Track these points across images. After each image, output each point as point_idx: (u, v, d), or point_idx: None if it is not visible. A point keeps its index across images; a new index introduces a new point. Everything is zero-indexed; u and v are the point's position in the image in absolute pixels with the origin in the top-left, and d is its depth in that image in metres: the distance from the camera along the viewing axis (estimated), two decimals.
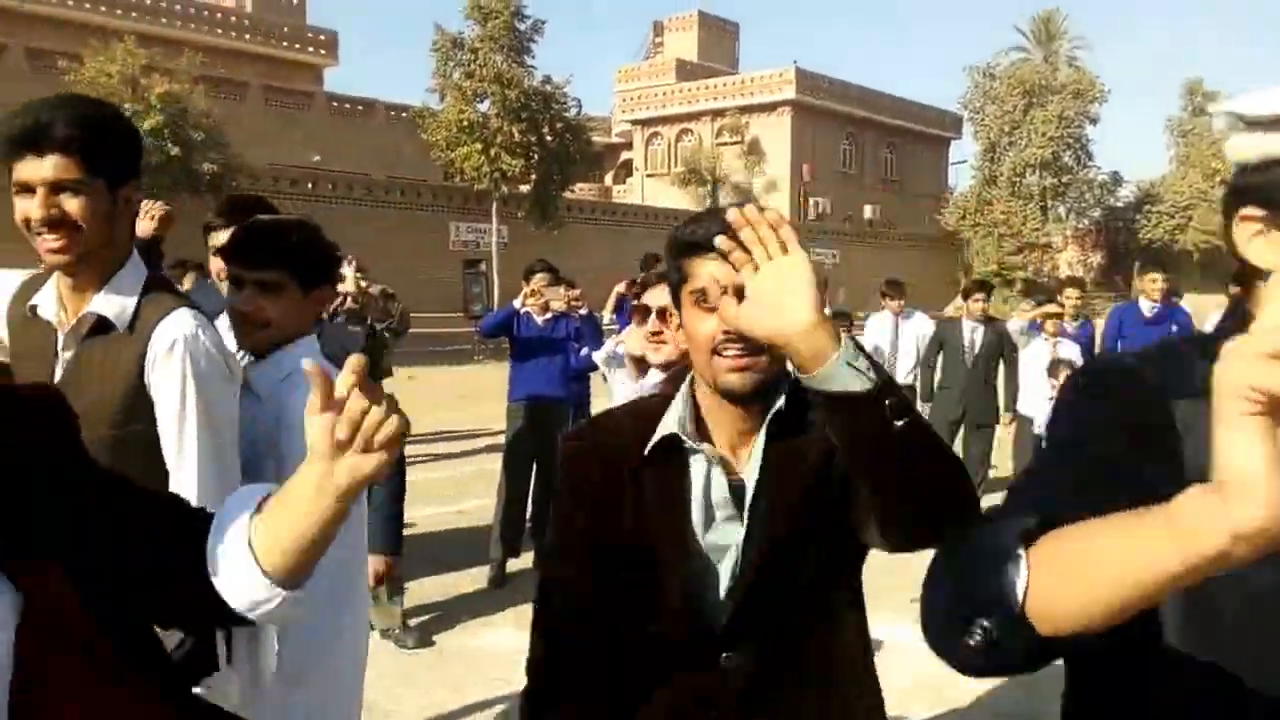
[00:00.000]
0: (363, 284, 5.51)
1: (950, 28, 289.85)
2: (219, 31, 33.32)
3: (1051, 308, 7.34)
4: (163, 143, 20.43)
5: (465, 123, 24.05)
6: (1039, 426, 6.77)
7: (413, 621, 4.78)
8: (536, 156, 24.53)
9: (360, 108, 35.58)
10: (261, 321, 1.94)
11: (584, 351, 5.99)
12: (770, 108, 44.04)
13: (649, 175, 47.51)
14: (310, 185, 26.34)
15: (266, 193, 24.39)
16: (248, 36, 34.26)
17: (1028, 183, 41.26)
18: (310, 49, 36.21)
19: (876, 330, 8.20)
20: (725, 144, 44.84)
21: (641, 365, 3.04)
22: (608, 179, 51.69)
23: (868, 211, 46.04)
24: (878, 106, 47.49)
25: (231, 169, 22.20)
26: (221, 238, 5.05)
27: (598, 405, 6.27)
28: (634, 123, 48.77)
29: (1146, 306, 7.54)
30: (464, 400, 11.90)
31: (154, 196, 16.20)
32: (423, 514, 6.75)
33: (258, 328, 1.94)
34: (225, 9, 35.13)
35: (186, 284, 7.65)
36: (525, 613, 4.69)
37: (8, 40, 27.87)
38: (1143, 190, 45.43)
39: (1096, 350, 7.53)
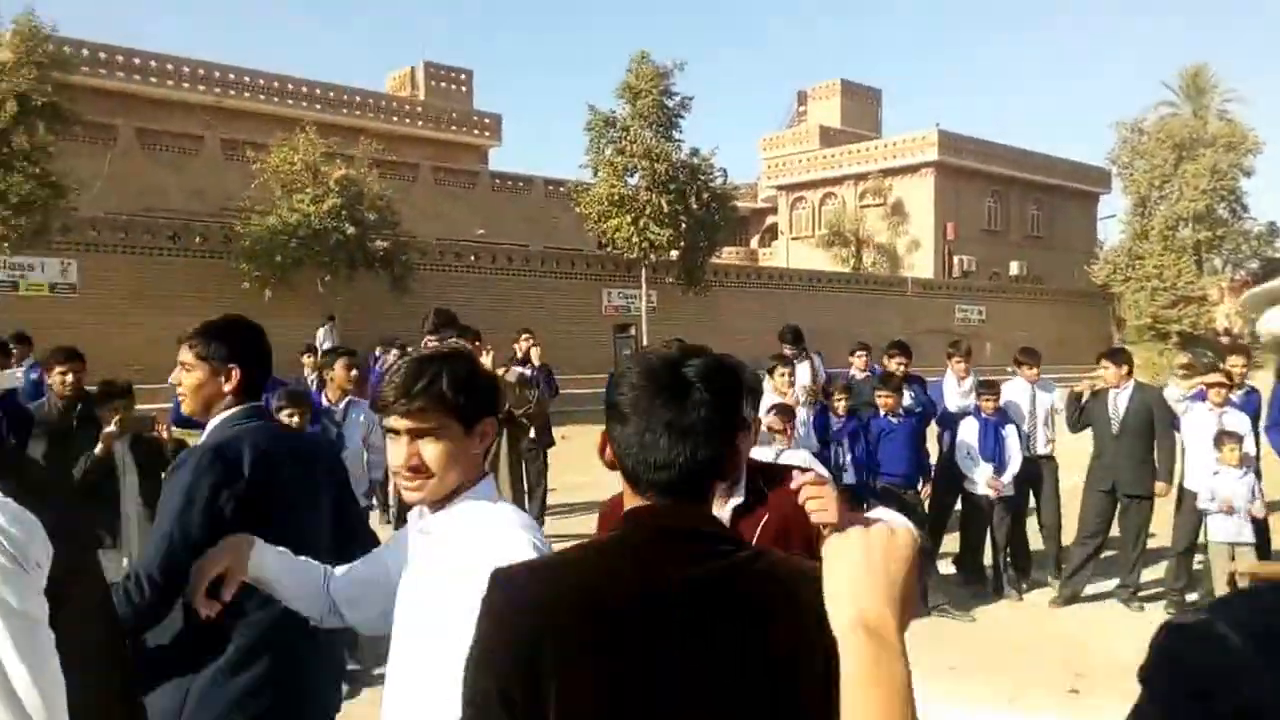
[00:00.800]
0: (500, 372, 5.93)
1: (1093, 86, 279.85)
2: (394, 119, 36.18)
3: (1216, 376, 6.94)
4: (340, 223, 22.03)
5: (616, 196, 25.34)
6: (1203, 501, 6.46)
7: None
8: (684, 225, 25.56)
9: (521, 183, 37.81)
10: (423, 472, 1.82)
11: None
12: (913, 169, 44.16)
13: (794, 239, 48.14)
14: (474, 257, 28.18)
15: (433, 266, 26.46)
16: (420, 123, 37.04)
17: (1180, 236, 39.71)
18: (476, 131, 38.82)
19: (1013, 396, 7.70)
20: (869, 206, 45.13)
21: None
22: (753, 243, 52.61)
23: (1014, 268, 45.22)
24: (1022, 164, 46.88)
25: (402, 245, 23.82)
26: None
27: None
28: (778, 188, 49.65)
29: None
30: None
31: (332, 273, 17.80)
32: None
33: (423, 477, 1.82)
34: (400, 98, 38.15)
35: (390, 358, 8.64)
36: None
37: (205, 133, 31.21)
38: None
39: (1262, 422, 6.99)
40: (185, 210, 27.37)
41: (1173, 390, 7.11)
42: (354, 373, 6.31)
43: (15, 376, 5.70)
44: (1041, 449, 7.58)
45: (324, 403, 6.19)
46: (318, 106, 33.66)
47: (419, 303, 22.10)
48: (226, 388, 2.42)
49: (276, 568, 2.03)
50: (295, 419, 5.04)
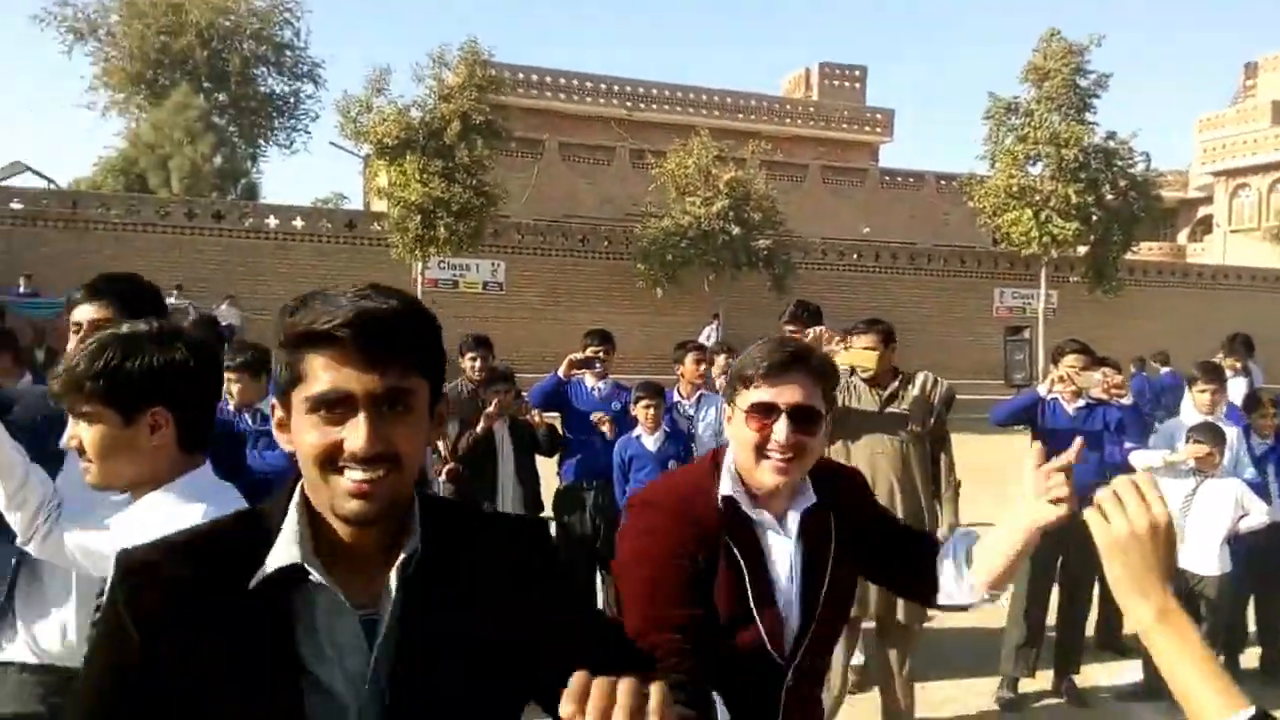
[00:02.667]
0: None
1: None
2: (785, 120, 36.74)
3: None
4: (727, 224, 22.83)
5: (1015, 188, 23.66)
6: None
7: None
8: (1094, 217, 23.26)
9: (910, 179, 36.71)
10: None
11: (1126, 446, 5.33)
12: None
13: (1233, 231, 42.02)
14: (857, 255, 27.80)
15: (815, 264, 26.45)
16: (811, 123, 37.28)
17: None
18: (867, 128, 38.31)
19: None
20: None
21: None
22: (1180, 237, 46.68)
23: None
24: None
25: (784, 245, 24.14)
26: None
27: None
28: (1216, 174, 43.58)
29: None
30: (984, 474, 9.67)
31: (717, 272, 18.47)
32: None
33: None
34: (791, 100, 38.66)
35: None
36: None
37: (617, 144, 33.70)
38: None
39: None
40: (596, 216, 29.78)
41: None
42: (702, 367, 6.26)
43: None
44: None
45: (675, 397, 6.19)
46: (714, 113, 35.05)
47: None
48: None
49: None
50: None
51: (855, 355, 4.48)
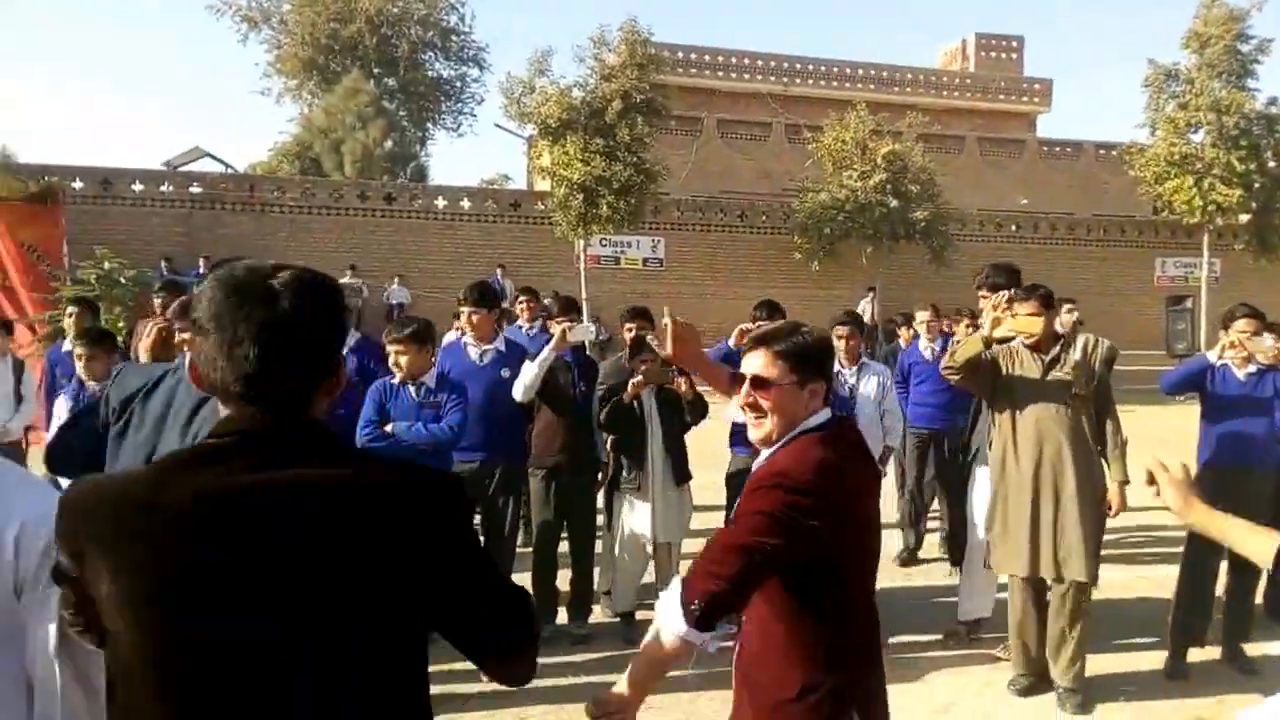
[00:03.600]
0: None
1: None
2: (943, 94, 36.70)
3: None
4: (884, 197, 23.22)
5: (1176, 155, 23.53)
6: None
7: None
8: (1257, 184, 22.97)
9: (1069, 149, 36.16)
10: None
11: None
12: None
13: None
14: (1015, 227, 27.98)
15: (972, 236, 26.71)
16: (968, 95, 37.10)
17: None
18: (1024, 99, 37.90)
19: None
20: None
21: None
22: None
23: None
24: None
25: (941, 217, 24.31)
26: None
27: None
28: None
29: None
30: (1148, 442, 9.72)
31: (874, 244, 19.01)
32: None
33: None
34: (947, 72, 38.52)
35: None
36: None
37: (773, 120, 34.38)
38: None
39: None
40: (753, 191, 30.32)
41: None
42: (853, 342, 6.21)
43: (589, 329, 6.07)
44: None
45: (836, 367, 5.73)
46: (870, 86, 35.14)
47: (957, 275, 22.73)
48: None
49: None
50: None
51: (1019, 322, 4.61)
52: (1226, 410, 5.10)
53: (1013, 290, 4.83)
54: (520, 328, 7.61)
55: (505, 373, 5.50)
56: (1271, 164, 22.88)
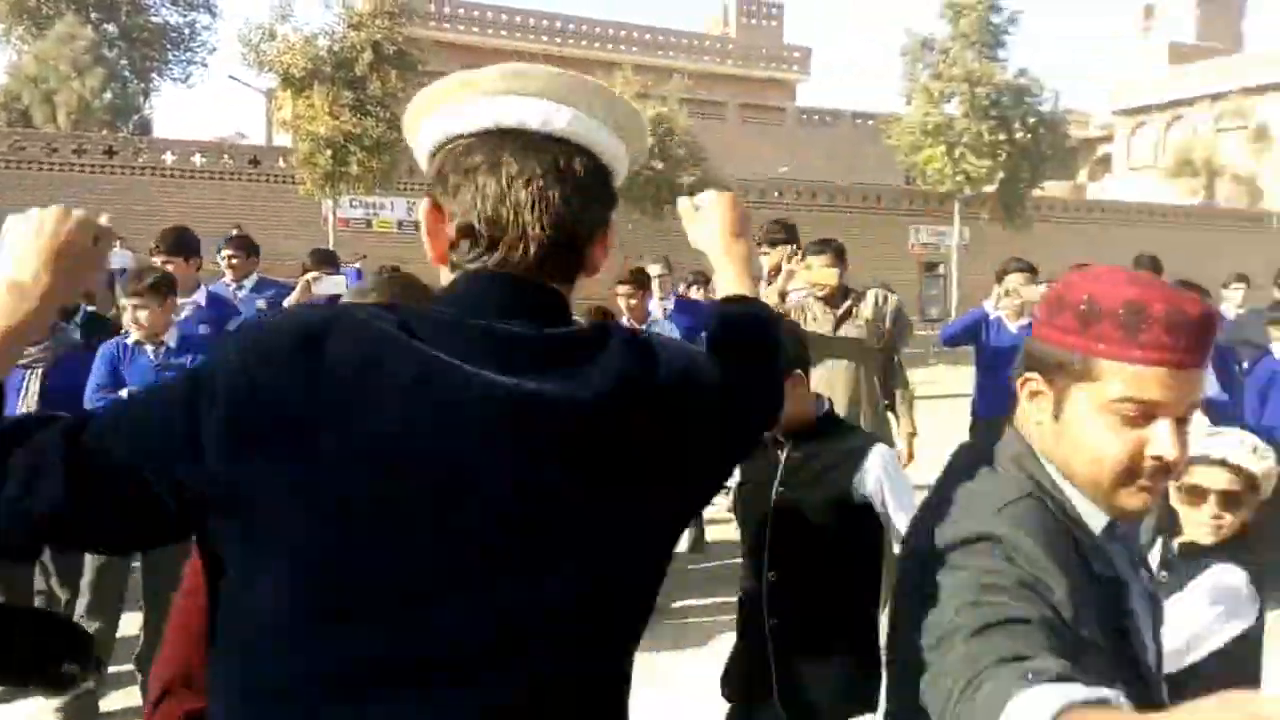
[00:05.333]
0: None
1: None
2: (705, 58, 36.61)
3: None
4: (651, 161, 22.88)
5: (930, 125, 24.10)
6: None
7: None
8: (1004, 155, 23.87)
9: (828, 118, 37.08)
10: None
11: None
12: None
13: (1132, 169, 43.62)
14: (776, 194, 28.07)
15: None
16: (730, 61, 37.23)
17: None
18: (784, 66, 38.42)
19: None
20: (1225, 130, 39.81)
21: None
22: (1081, 175, 48.28)
23: None
24: None
25: (707, 182, 24.22)
26: None
27: None
28: (1117, 113, 45.05)
29: None
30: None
31: (641, 209, 18.15)
32: None
33: None
34: (710, 36, 38.51)
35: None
36: None
37: None
38: None
39: None
40: None
41: None
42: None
43: (338, 282, 5.45)
44: None
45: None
46: (635, 49, 34.71)
47: None
48: None
49: None
50: None
51: (819, 274, 4.58)
52: (1000, 361, 5.22)
53: (803, 245, 4.77)
54: (227, 284, 6.25)
55: (203, 329, 4.89)
56: (1019, 135, 23.74)
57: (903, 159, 25.40)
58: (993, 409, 5.20)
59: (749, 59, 37.40)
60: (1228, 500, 2.05)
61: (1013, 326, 5.49)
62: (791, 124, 36.11)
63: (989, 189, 25.15)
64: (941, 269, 25.53)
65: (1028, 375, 1.20)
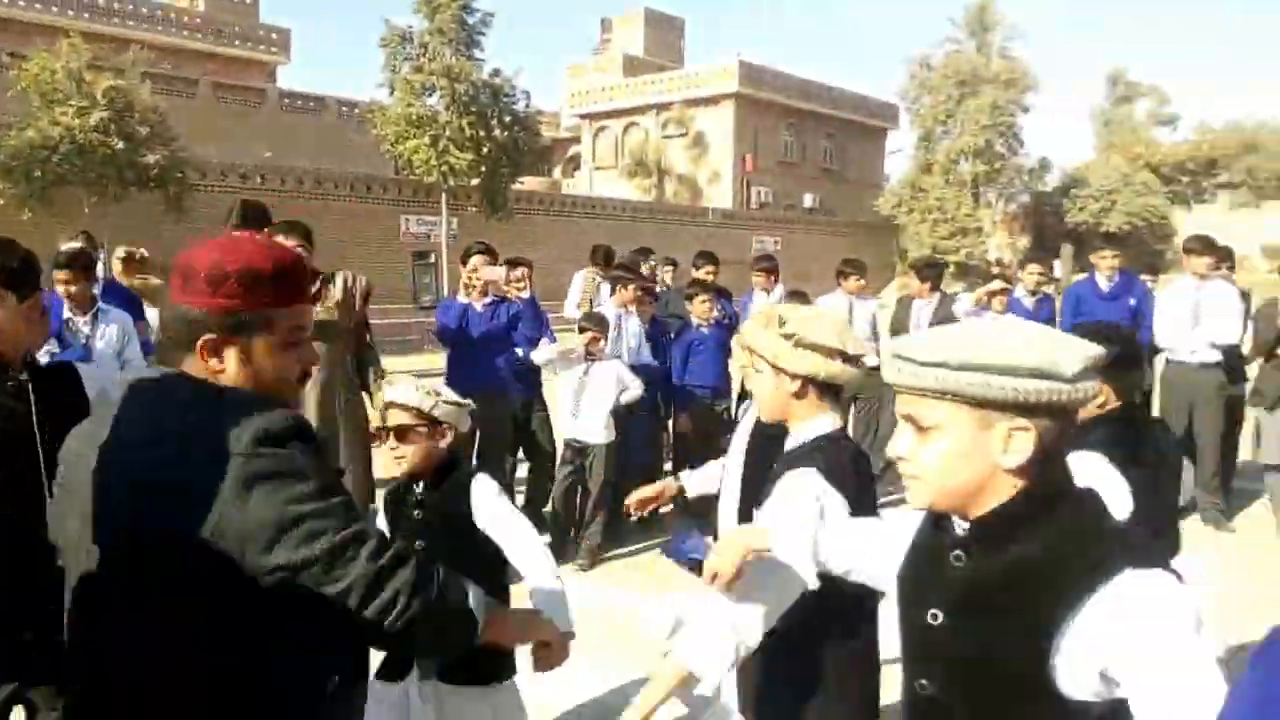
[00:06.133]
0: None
1: (889, 21, 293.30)
2: (171, 31, 33.58)
3: (997, 284, 7.44)
4: (108, 138, 20.55)
5: (414, 117, 24.59)
6: None
7: None
8: (486, 149, 25.13)
9: (312, 103, 36.06)
10: None
11: (524, 350, 6.02)
12: (714, 100, 44.98)
13: (597, 168, 48.34)
14: (260, 179, 26.80)
15: (215, 186, 24.97)
16: (199, 35, 34.55)
17: (960, 170, 42.76)
18: (262, 47, 36.57)
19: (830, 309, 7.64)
20: (670, 137, 45.85)
21: None
22: (556, 172, 52.47)
23: (808, 200, 47.23)
24: (818, 98, 48.64)
25: (178, 163, 22.36)
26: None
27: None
28: (582, 116, 49.56)
29: (1103, 282, 7.48)
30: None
31: (101, 189, 16.32)
32: None
33: None
34: (178, 9, 35.36)
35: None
36: None
37: None
38: (1069, 175, 47.27)
39: (1061, 324, 7.36)
40: None
41: (962, 303, 7.57)
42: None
43: None
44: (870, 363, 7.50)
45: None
46: (86, 15, 30.85)
47: (195, 228, 21.01)
48: None
49: None
50: None
51: None
52: (475, 344, 5.69)
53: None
54: None
55: None
56: (497, 131, 25.16)
57: (389, 149, 25.65)
58: (463, 384, 5.47)
59: (222, 36, 35.07)
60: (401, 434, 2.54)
61: (479, 307, 5.77)
62: (273, 108, 34.54)
63: (475, 181, 26.34)
64: (432, 258, 26.25)
65: None
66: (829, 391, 2.17)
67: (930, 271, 8.00)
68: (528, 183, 38.01)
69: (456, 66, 24.18)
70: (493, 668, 2.50)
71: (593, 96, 48.86)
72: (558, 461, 6.25)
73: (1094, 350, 1.30)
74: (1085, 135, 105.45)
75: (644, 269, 7.95)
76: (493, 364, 5.78)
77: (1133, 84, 51.49)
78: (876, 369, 6.66)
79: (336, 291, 4.69)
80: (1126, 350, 2.60)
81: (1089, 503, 1.33)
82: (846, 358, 2.12)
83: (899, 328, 7.80)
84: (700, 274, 7.75)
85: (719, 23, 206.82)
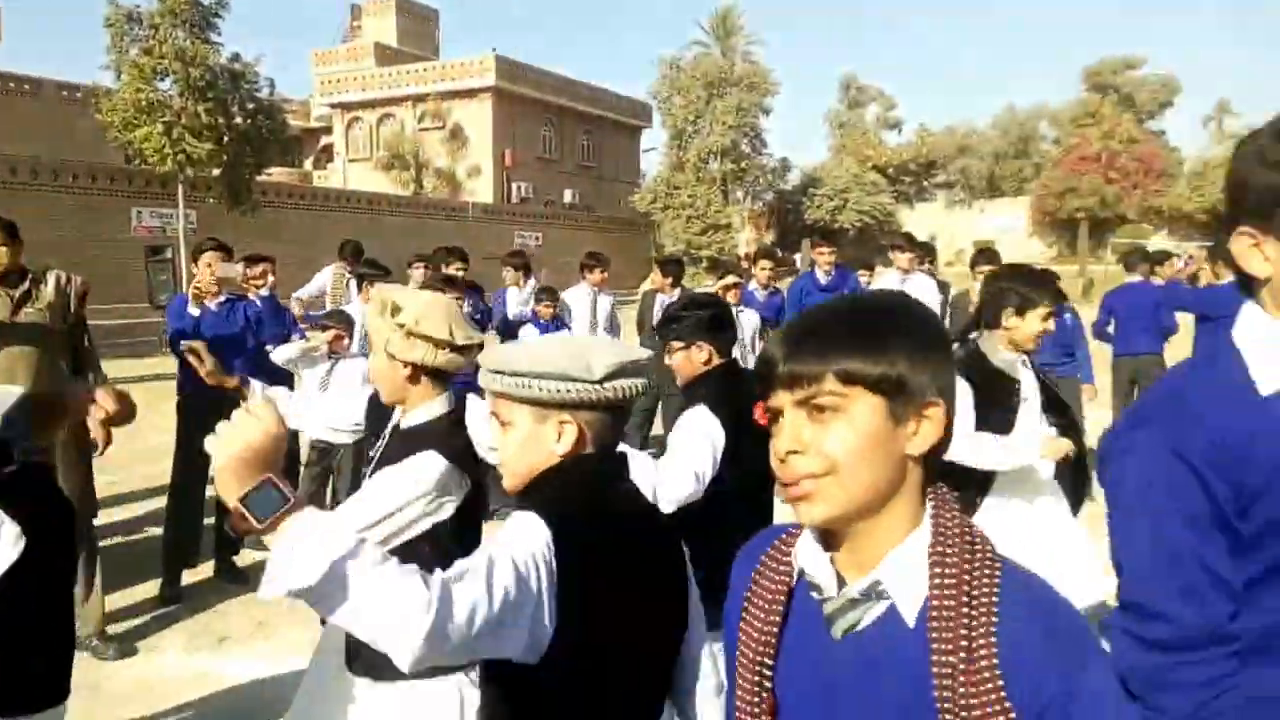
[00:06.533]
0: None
1: (645, 21, 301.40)
2: None
3: (730, 279, 7.80)
4: None
5: (144, 102, 22.88)
6: None
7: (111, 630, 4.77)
8: (226, 138, 23.78)
9: (27, 85, 32.83)
10: None
11: (271, 350, 5.84)
12: (471, 94, 44.75)
13: (351, 160, 46.85)
14: None
15: None
16: None
17: (710, 169, 44.87)
18: None
19: (573, 302, 8.25)
20: (428, 129, 45.16)
21: None
22: (308, 164, 50.33)
23: (568, 196, 47.99)
24: (575, 95, 49.48)
25: None
26: None
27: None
28: (333, 106, 47.83)
29: (822, 275, 8.35)
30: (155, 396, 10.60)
31: None
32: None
33: None
34: None
35: None
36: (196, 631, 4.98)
37: None
38: (807, 175, 50.75)
39: (786, 315, 7.99)
40: None
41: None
42: None
43: None
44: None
45: None
46: None
47: None
48: None
49: None
50: None
51: None
52: (216, 346, 5.44)
53: None
54: None
55: None
56: (238, 119, 23.87)
57: (116, 136, 23.73)
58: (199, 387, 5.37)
59: None
60: None
61: (213, 306, 5.61)
62: None
63: (216, 172, 24.82)
64: (169, 253, 24.60)
65: None
66: (439, 378, 2.35)
67: (672, 267, 8.56)
68: (275, 174, 36.28)
69: (191, 50, 22.73)
70: None
71: (344, 85, 47.28)
72: (303, 463, 6.23)
73: (626, 356, 1.63)
74: (820, 138, 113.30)
75: (452, 269, 7.84)
76: (230, 367, 5.55)
77: (864, 89, 55.86)
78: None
79: (49, 291, 4.33)
80: (719, 313, 3.10)
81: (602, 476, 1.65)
82: (455, 348, 2.29)
83: (642, 320, 8.36)
84: (451, 270, 7.73)
85: (474, 17, 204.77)
